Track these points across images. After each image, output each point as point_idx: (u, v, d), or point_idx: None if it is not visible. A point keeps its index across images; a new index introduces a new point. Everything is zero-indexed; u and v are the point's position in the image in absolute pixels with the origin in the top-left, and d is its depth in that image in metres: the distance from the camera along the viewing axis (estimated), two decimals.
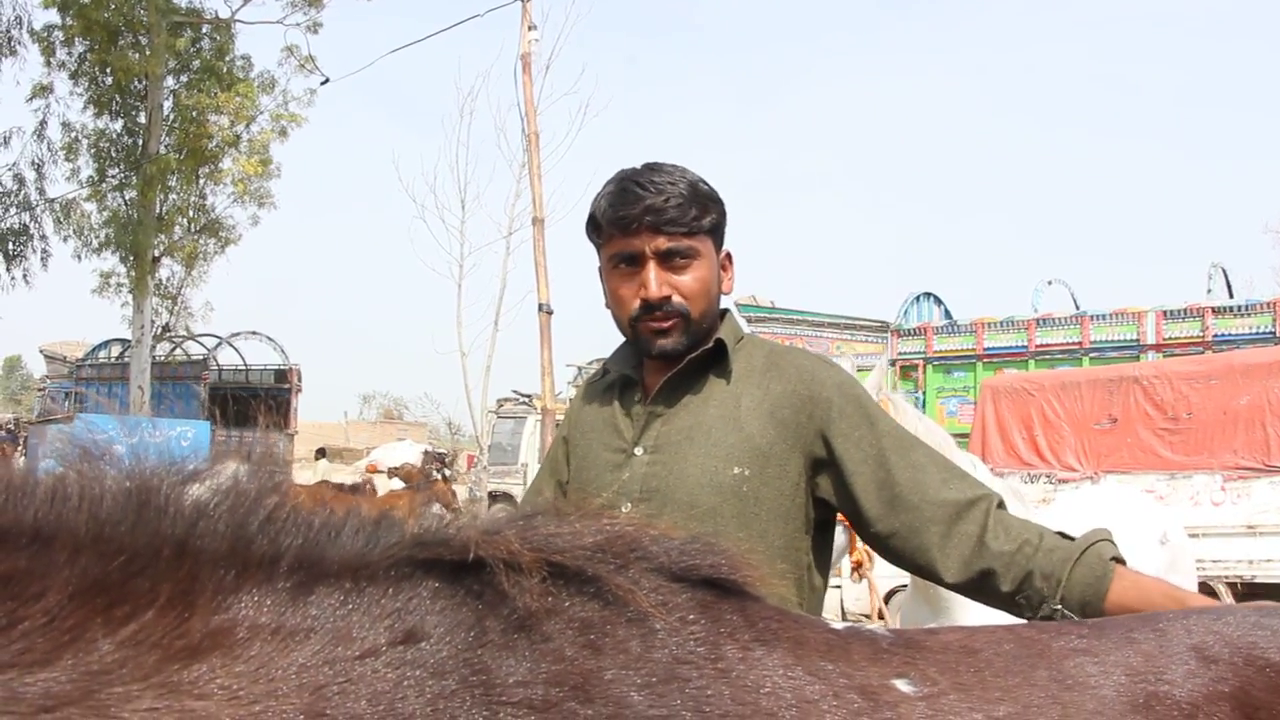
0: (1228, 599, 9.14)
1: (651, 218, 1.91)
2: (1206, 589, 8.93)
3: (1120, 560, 1.73)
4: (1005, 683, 1.28)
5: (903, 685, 1.25)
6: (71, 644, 0.92)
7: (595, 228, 2.01)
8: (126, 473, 1.05)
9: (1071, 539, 1.78)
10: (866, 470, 1.89)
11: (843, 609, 10.23)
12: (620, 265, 1.98)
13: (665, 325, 1.95)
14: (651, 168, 1.98)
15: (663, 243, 1.93)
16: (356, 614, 1.06)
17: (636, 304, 1.96)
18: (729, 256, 2.08)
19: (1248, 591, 9.33)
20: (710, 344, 2.00)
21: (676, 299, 1.94)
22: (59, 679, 0.90)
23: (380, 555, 1.11)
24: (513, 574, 1.12)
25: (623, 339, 2.10)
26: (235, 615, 1.00)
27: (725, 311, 2.11)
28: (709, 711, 1.14)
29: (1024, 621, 1.72)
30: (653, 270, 1.94)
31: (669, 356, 1.98)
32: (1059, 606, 1.71)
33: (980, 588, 1.81)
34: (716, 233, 2.02)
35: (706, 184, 2.00)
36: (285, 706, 0.97)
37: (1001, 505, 1.86)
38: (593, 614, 1.17)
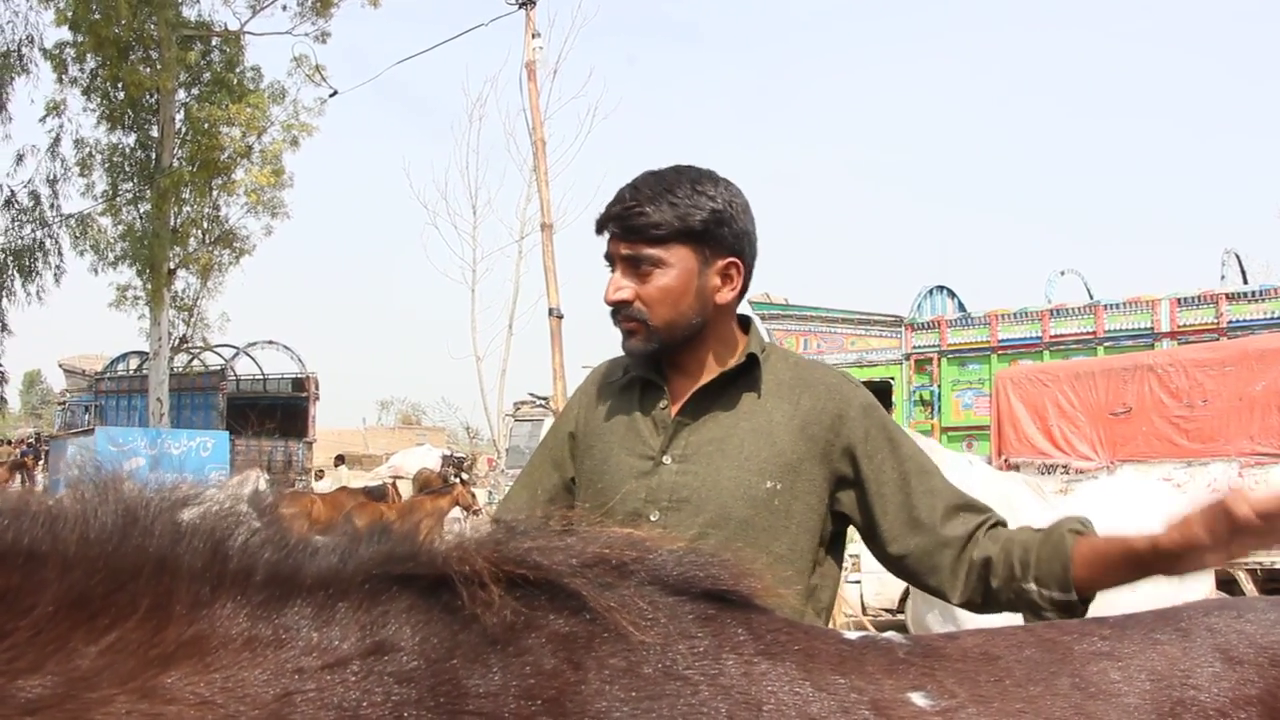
0: (1248, 586, 9.12)
1: (613, 225, 1.97)
2: (1226, 577, 8.91)
3: (1083, 533, 1.79)
4: (1027, 692, 1.25)
5: (919, 699, 1.23)
6: (56, 653, 1.00)
7: None
8: (119, 496, 1.12)
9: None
10: (888, 493, 1.95)
11: (863, 603, 10.24)
12: (606, 264, 2.03)
13: (628, 326, 1.99)
14: (654, 172, 1.99)
15: (623, 249, 1.97)
16: (327, 626, 1.10)
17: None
18: (735, 266, 2.01)
19: (1267, 578, 9.30)
20: (742, 359, 2.02)
21: (637, 305, 1.96)
22: (44, 684, 0.98)
23: (353, 571, 1.15)
24: (479, 589, 1.15)
25: None
26: (209, 626, 1.06)
27: (749, 321, 2.11)
28: None
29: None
30: (614, 274, 1.99)
31: (634, 356, 2.02)
32: (1033, 586, 1.78)
33: (982, 601, 1.89)
34: (699, 240, 1.96)
35: (703, 192, 1.95)
36: (252, 711, 1.02)
37: (1000, 524, 1.93)
38: (575, 628, 1.18)
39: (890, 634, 1.41)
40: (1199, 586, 5.87)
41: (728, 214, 1.98)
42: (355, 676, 1.07)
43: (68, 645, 1.00)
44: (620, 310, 1.98)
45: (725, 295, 2.02)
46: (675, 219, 1.94)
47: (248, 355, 32.06)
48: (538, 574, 1.19)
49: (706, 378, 2.02)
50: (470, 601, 1.14)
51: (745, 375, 2.03)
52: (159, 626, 1.04)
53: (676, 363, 2.04)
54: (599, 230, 2.01)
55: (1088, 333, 16.31)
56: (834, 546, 2.04)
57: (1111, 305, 16.38)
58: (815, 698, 1.20)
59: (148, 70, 21.84)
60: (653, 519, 1.93)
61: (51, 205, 23.70)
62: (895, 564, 1.97)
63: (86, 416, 33.73)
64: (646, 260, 1.95)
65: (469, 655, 1.12)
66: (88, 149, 23.15)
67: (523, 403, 21.69)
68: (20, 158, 23.57)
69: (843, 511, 2.00)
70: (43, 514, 1.08)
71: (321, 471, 26.49)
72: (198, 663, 1.03)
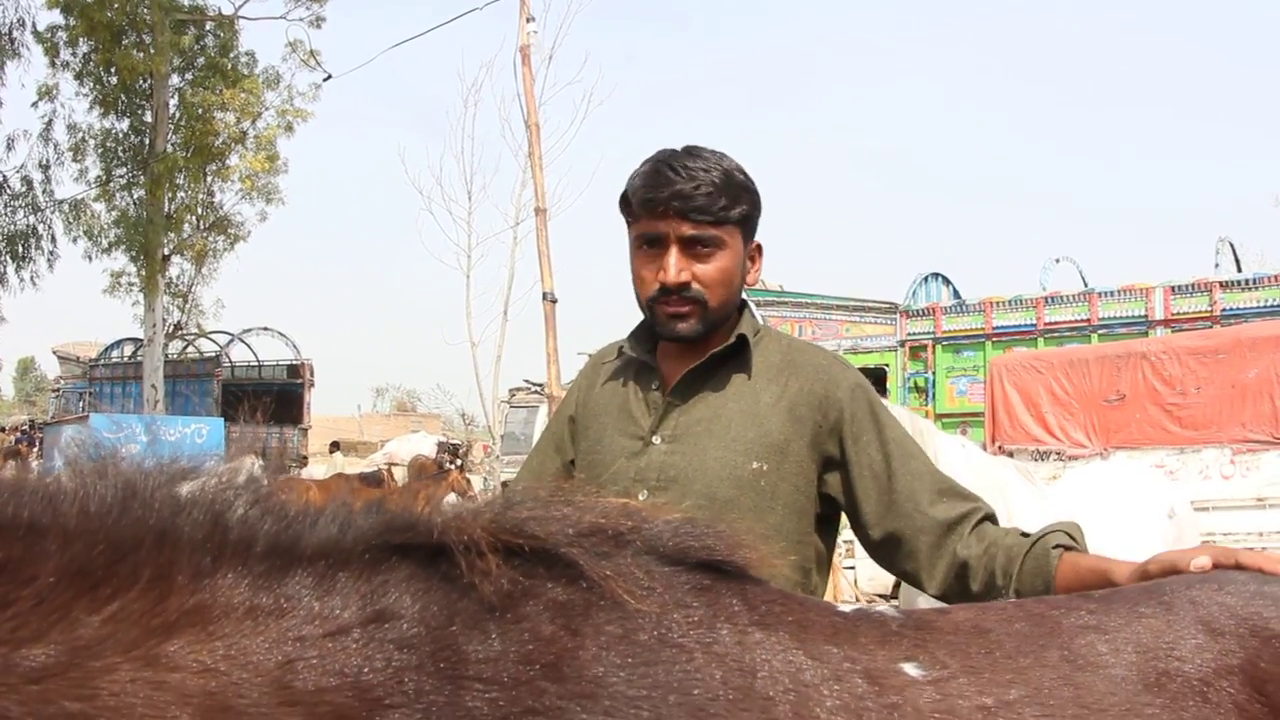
0: None
1: (679, 203, 1.91)
2: None
3: (1071, 547, 1.76)
4: (1017, 664, 1.27)
5: (911, 669, 1.25)
6: (59, 622, 1.01)
7: (626, 206, 2.03)
8: (118, 471, 1.13)
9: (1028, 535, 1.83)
10: (869, 475, 1.95)
11: (856, 588, 10.28)
12: (645, 246, 1.99)
13: (682, 310, 1.96)
14: (690, 151, 1.97)
15: (687, 229, 1.93)
16: (328, 595, 1.12)
17: (656, 286, 1.97)
18: (759, 249, 2.08)
19: None
20: (732, 340, 2.02)
21: (695, 286, 1.95)
22: (48, 652, 0.99)
23: (353, 540, 1.16)
24: (475, 557, 1.16)
25: (639, 322, 2.10)
26: (211, 596, 1.07)
27: (744, 304, 2.12)
28: (697, 694, 1.15)
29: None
30: (673, 255, 1.94)
31: (684, 340, 2.00)
32: (1014, 599, 1.73)
33: (958, 594, 1.87)
34: (746, 224, 2.00)
35: (743, 174, 1.98)
36: (255, 679, 1.03)
37: (988, 518, 1.91)
38: (572, 596, 1.19)
39: (883, 607, 1.43)
40: None
41: (759, 198, 2.03)
42: (356, 644, 1.08)
43: (70, 615, 1.01)
44: (678, 292, 1.95)
45: (753, 277, 2.09)
46: (734, 200, 1.95)
47: (243, 342, 32.09)
48: (535, 543, 1.20)
49: (698, 359, 2.02)
50: (469, 570, 1.15)
51: (736, 357, 2.03)
52: (161, 596, 1.04)
53: (676, 344, 2.04)
54: (655, 209, 1.94)
55: (1082, 320, 16.37)
56: (825, 529, 2.04)
57: (1106, 293, 16.44)
58: (809, 666, 1.22)
59: (141, 55, 21.77)
60: (640, 498, 1.93)
61: (44, 190, 23.65)
62: (875, 548, 1.97)
63: (81, 403, 33.69)
64: (710, 241, 1.94)
65: (468, 622, 1.13)
66: (81, 134, 23.12)
67: (518, 389, 21.71)
68: (11, 142, 23.51)
69: (830, 494, 2.00)
70: (42, 489, 1.09)
71: (305, 458, 26.41)
72: (200, 631, 1.04)
